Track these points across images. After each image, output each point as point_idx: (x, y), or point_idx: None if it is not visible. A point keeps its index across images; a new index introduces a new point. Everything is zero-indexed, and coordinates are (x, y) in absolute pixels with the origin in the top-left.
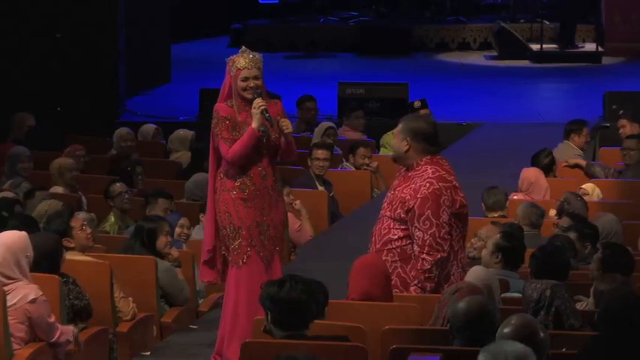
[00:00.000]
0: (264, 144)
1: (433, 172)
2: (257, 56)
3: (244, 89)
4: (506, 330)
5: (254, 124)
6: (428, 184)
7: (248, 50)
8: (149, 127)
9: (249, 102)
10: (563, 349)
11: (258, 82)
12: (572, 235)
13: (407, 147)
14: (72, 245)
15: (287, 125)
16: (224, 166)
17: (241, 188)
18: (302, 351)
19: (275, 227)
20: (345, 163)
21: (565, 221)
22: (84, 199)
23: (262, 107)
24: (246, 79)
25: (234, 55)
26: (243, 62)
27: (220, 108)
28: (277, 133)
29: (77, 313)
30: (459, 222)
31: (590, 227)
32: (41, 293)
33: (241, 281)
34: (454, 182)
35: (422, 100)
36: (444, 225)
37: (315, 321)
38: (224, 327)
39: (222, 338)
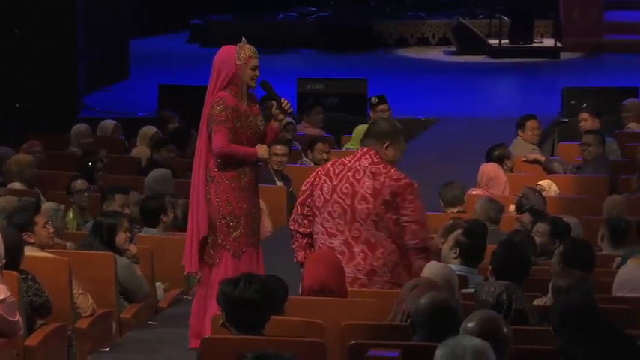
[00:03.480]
0: (260, 134)
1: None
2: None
3: (252, 78)
4: (469, 325)
5: (261, 155)
6: None
7: (247, 41)
8: (108, 123)
9: (249, 92)
10: None
11: (260, 73)
12: (544, 228)
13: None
14: (32, 240)
15: (289, 105)
16: None
17: (240, 177)
18: (287, 351)
19: (259, 217)
20: (304, 159)
21: (526, 217)
22: (41, 195)
23: (289, 108)
24: (255, 67)
25: (239, 45)
26: (250, 52)
27: (227, 97)
28: (267, 122)
29: (36, 310)
30: (315, 210)
31: (564, 226)
32: (10, 294)
33: (240, 270)
34: (330, 171)
35: (379, 96)
36: (300, 196)
37: (274, 317)
38: (204, 315)
39: (199, 323)
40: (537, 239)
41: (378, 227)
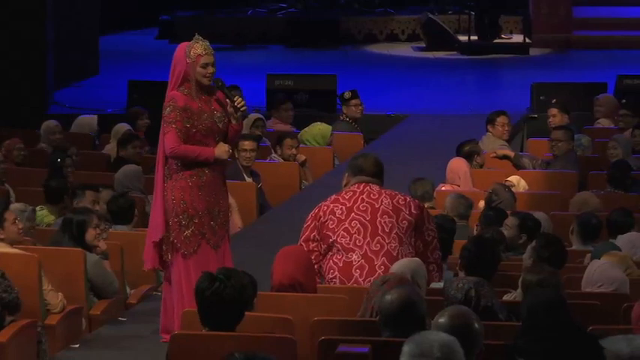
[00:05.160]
0: (218, 130)
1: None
2: (208, 43)
3: (204, 75)
4: (441, 320)
5: (219, 155)
6: None
7: (201, 38)
8: (91, 119)
9: (204, 89)
10: None
11: (214, 69)
12: (514, 221)
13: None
14: (2, 236)
15: (243, 103)
16: None
17: (199, 175)
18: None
19: (224, 213)
20: (273, 154)
21: (510, 221)
22: (12, 191)
23: (243, 107)
24: (206, 65)
25: (190, 42)
26: (201, 49)
27: (177, 97)
28: (227, 118)
29: (5, 306)
30: (329, 233)
31: (533, 221)
32: None
33: (189, 270)
34: (338, 199)
35: (352, 91)
36: (304, 233)
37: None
38: (171, 311)
39: (167, 319)
40: (505, 232)
41: (402, 242)
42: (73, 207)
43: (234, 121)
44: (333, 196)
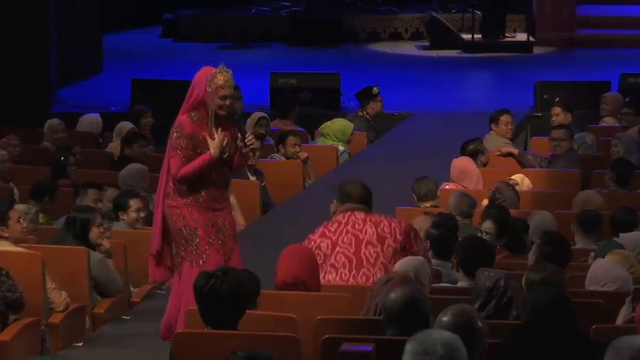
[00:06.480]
0: (221, 160)
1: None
2: (232, 73)
3: (221, 107)
4: (444, 318)
5: (213, 151)
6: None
7: (226, 66)
8: (97, 119)
9: (218, 118)
10: None
11: (232, 102)
12: (490, 225)
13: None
14: (5, 235)
15: (253, 141)
16: None
17: (195, 196)
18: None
19: (231, 225)
20: (274, 154)
21: (488, 224)
22: (16, 190)
23: (253, 145)
24: (224, 97)
25: (213, 70)
26: (223, 80)
27: (185, 123)
28: (234, 148)
29: (9, 305)
30: None
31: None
32: None
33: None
34: (324, 232)
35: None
36: None
37: (248, 311)
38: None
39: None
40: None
41: (388, 270)
42: (75, 205)
43: (240, 153)
44: (321, 229)
